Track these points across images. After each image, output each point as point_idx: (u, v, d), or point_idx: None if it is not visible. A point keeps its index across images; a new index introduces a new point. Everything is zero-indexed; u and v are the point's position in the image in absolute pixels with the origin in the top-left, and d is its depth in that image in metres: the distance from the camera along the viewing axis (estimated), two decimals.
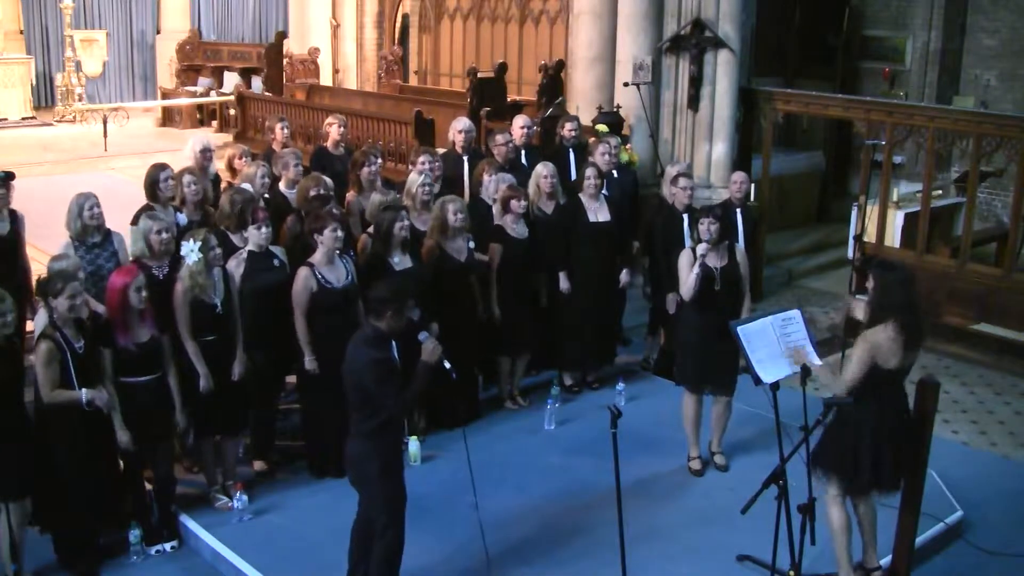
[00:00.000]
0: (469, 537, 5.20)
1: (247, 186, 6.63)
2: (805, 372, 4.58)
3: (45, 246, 6.56)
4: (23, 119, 16.67)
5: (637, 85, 9.93)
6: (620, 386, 7.15)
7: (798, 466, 4.61)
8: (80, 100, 17.18)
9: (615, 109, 10.11)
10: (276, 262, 5.97)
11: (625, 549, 4.46)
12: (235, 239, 6.03)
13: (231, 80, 17.25)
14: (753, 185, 8.51)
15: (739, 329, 4.78)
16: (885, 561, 5.12)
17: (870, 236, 9.24)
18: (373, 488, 4.64)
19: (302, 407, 6.28)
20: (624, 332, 8.35)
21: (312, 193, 6.42)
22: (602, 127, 9.28)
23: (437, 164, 7.19)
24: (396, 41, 17.26)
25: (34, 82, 17.49)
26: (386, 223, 6.13)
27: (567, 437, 6.73)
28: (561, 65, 11.25)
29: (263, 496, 5.89)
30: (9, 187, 6.21)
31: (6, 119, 16.45)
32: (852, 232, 8.75)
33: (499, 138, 7.78)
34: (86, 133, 15.69)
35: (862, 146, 9.98)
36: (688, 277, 6.00)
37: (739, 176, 7.85)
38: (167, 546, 5.48)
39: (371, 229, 6.43)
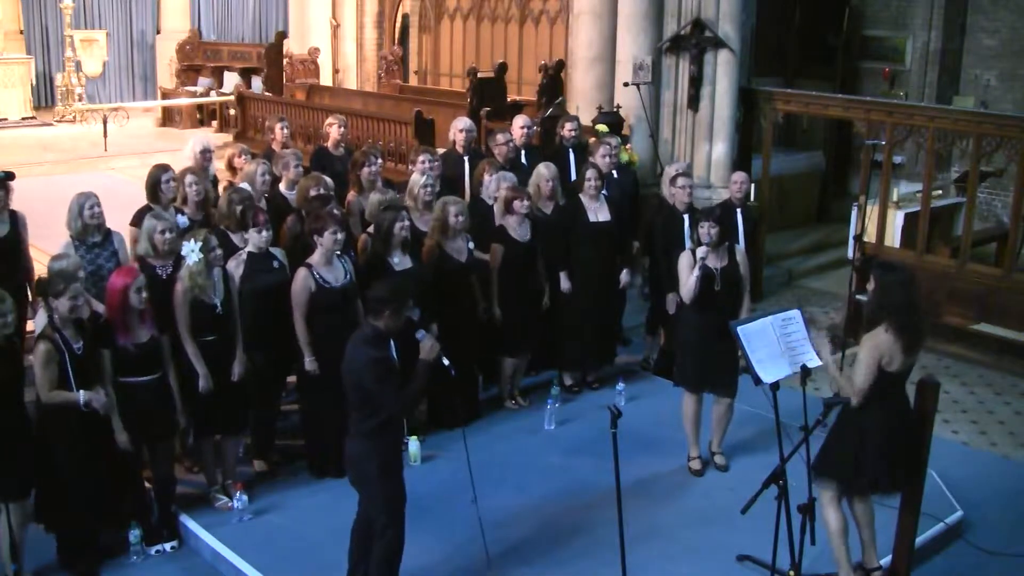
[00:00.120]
0: (469, 537, 5.20)
1: (246, 185, 6.64)
2: (805, 372, 4.58)
3: (45, 246, 6.55)
4: (23, 119, 16.66)
5: (637, 85, 9.93)
6: (620, 386, 7.15)
7: (798, 466, 4.61)
8: (80, 100, 17.17)
9: (615, 109, 10.11)
10: (276, 263, 5.97)
11: (625, 549, 4.46)
12: (235, 239, 6.03)
13: (231, 80, 17.24)
14: (753, 185, 8.51)
15: (739, 329, 4.78)
16: (885, 561, 5.12)
17: (870, 236, 9.23)
18: (373, 488, 4.64)
19: (302, 407, 6.28)
20: (624, 332, 8.35)
21: (312, 193, 6.42)
22: (602, 127, 9.28)
23: (436, 163, 7.20)
24: (396, 41, 17.26)
25: (34, 82, 17.48)
26: (386, 223, 6.13)
27: (567, 437, 6.73)
28: (561, 65, 11.25)
29: (263, 496, 5.89)
30: (8, 188, 6.20)
31: (6, 119, 16.44)
32: (852, 232, 8.73)
33: (499, 138, 7.79)
34: (86, 133, 15.68)
35: (862, 146, 9.97)
36: (688, 279, 6.00)
37: (739, 176, 7.86)
38: (167, 546, 5.48)
39: (371, 229, 6.44)
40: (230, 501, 5.73)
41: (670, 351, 7.11)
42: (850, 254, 8.82)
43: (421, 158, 7.16)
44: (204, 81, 17.57)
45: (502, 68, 12.07)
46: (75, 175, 12.80)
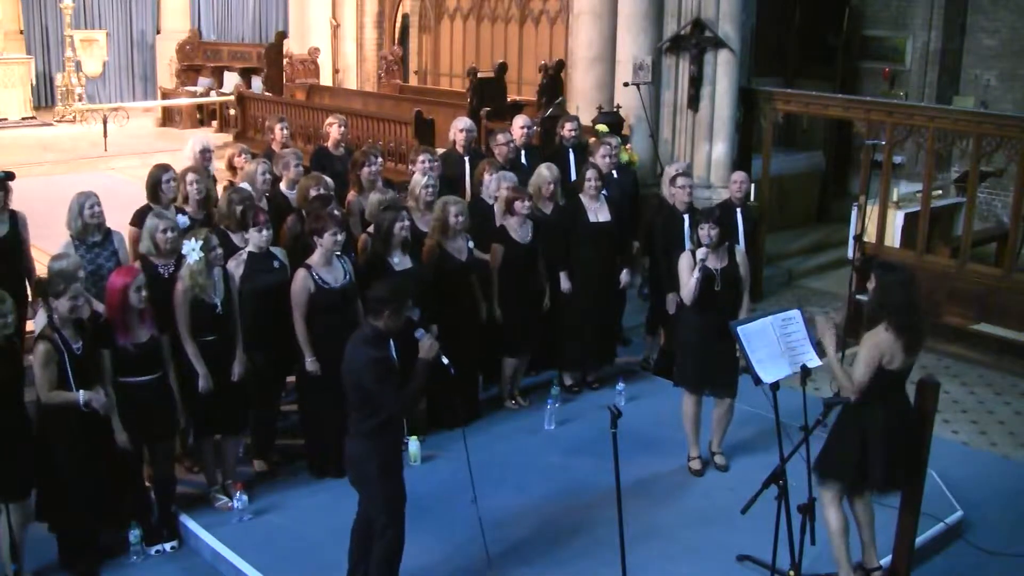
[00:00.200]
0: (469, 537, 5.21)
1: (246, 185, 6.64)
2: (805, 372, 4.59)
3: (45, 246, 6.55)
4: (23, 119, 16.65)
5: (637, 85, 9.93)
6: (620, 386, 7.15)
7: (798, 466, 4.61)
8: (80, 100, 17.16)
9: (615, 109, 10.12)
10: (276, 263, 5.96)
11: (625, 549, 4.46)
12: (235, 239, 6.03)
13: (231, 80, 17.24)
14: (753, 185, 8.52)
15: (739, 329, 4.78)
16: (885, 561, 5.12)
17: (870, 236, 9.23)
18: (373, 488, 4.64)
19: (302, 407, 6.28)
20: (624, 332, 8.35)
21: (312, 193, 6.42)
22: (602, 127, 9.28)
23: (436, 163, 7.20)
24: (396, 41, 17.26)
25: (34, 82, 17.47)
26: (386, 223, 6.13)
27: (567, 437, 6.73)
28: (561, 65, 11.25)
29: (263, 496, 5.89)
30: (8, 188, 6.20)
31: (6, 119, 16.43)
32: (852, 232, 8.74)
33: (500, 138, 7.79)
34: (86, 133, 15.67)
35: (862, 146, 9.97)
36: (689, 281, 6.00)
37: (739, 176, 7.87)
38: (167, 546, 5.48)
39: (371, 229, 6.44)
40: (230, 501, 5.72)
41: (670, 351, 7.11)
42: (850, 254, 8.83)
43: (421, 158, 7.17)
44: (204, 81, 17.57)
45: (502, 68, 12.07)
46: (75, 175, 12.79)
